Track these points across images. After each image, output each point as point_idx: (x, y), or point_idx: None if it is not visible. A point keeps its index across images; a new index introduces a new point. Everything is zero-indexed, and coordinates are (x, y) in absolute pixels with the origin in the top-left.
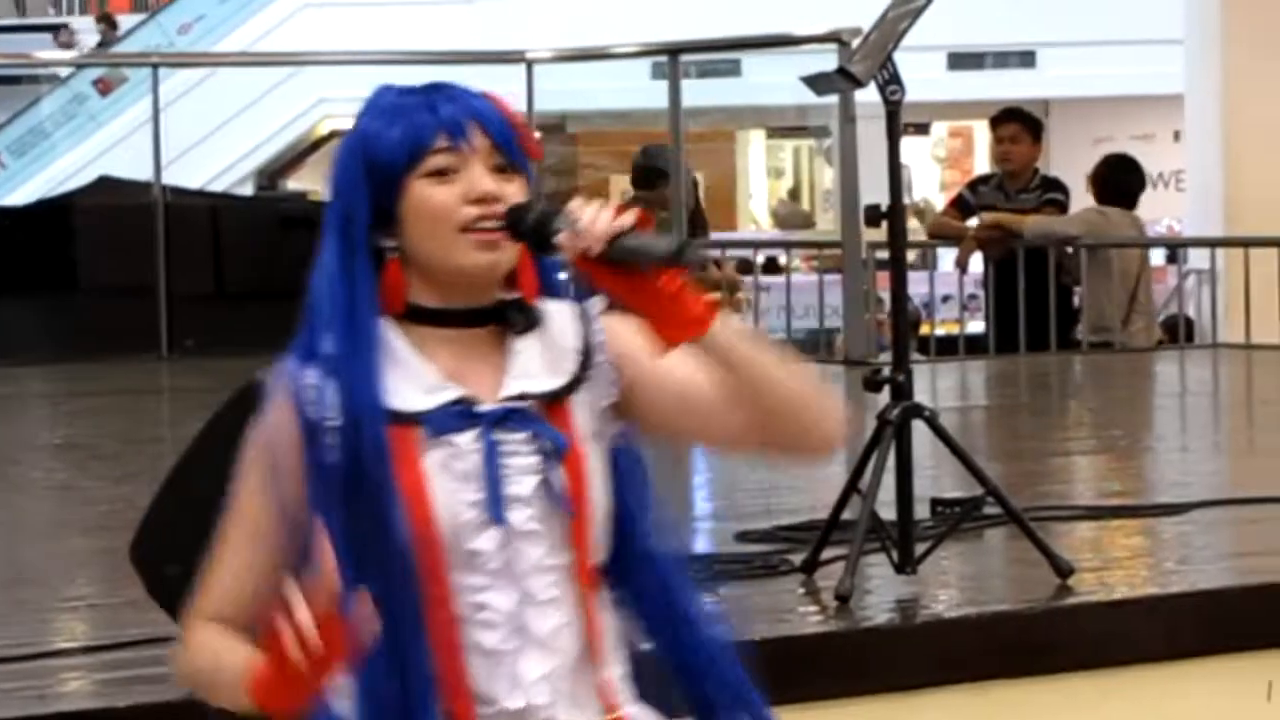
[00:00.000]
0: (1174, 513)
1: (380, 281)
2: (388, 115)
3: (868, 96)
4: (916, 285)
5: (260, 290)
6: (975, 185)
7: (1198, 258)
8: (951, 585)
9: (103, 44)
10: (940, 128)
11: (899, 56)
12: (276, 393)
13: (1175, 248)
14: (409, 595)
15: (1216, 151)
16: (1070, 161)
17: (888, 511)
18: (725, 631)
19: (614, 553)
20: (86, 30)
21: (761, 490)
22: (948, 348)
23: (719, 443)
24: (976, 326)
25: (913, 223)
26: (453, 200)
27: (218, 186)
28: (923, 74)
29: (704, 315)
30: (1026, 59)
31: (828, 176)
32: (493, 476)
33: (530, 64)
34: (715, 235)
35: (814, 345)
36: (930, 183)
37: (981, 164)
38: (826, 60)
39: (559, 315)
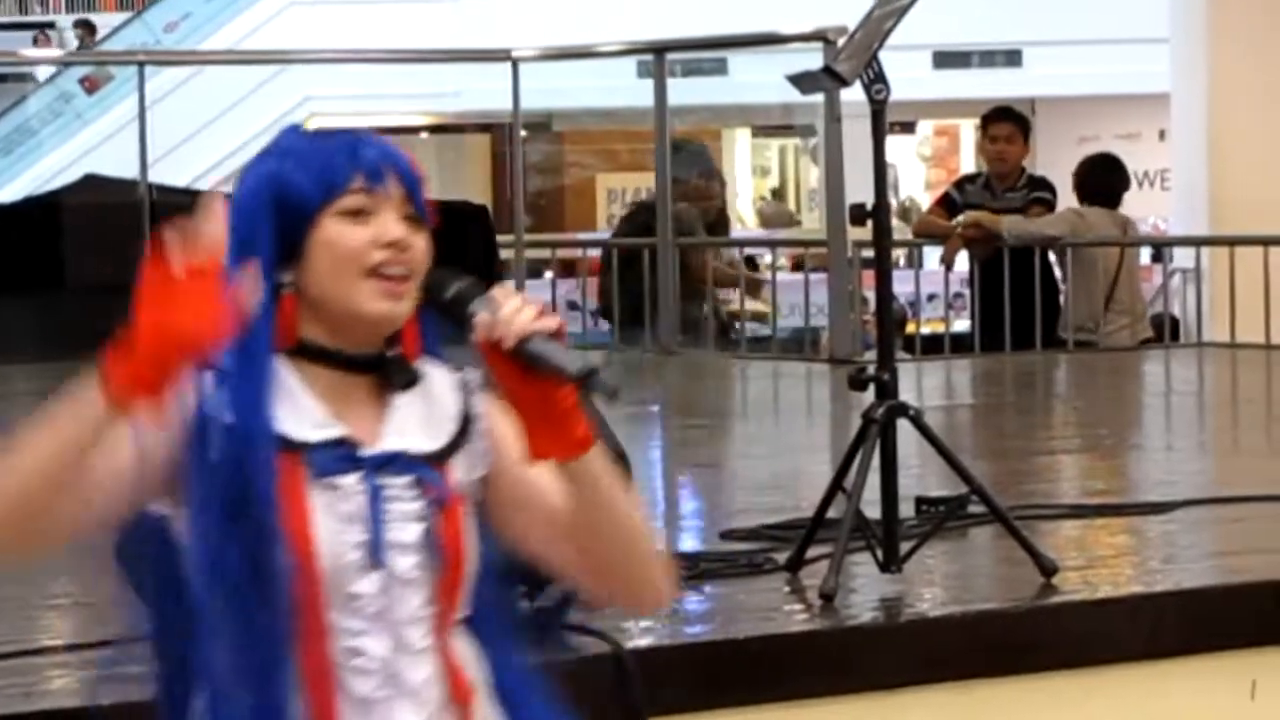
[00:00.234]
0: (1158, 511)
1: (276, 314)
2: (303, 154)
3: (853, 95)
4: (902, 284)
5: None
6: (962, 184)
7: (1183, 257)
8: (936, 584)
9: (81, 49)
10: (926, 126)
11: (884, 55)
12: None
13: (1160, 247)
14: (276, 624)
15: (1202, 150)
16: (1056, 160)
17: (873, 510)
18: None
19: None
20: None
21: (747, 488)
22: (933, 346)
23: (554, 564)
24: (962, 325)
25: (898, 222)
26: (364, 241)
27: (204, 184)
28: (908, 73)
29: (585, 440)
30: (1012, 58)
31: (813, 175)
32: (376, 520)
33: (516, 62)
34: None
35: (799, 344)
36: (916, 181)
37: (967, 163)
38: (812, 59)
39: (439, 379)
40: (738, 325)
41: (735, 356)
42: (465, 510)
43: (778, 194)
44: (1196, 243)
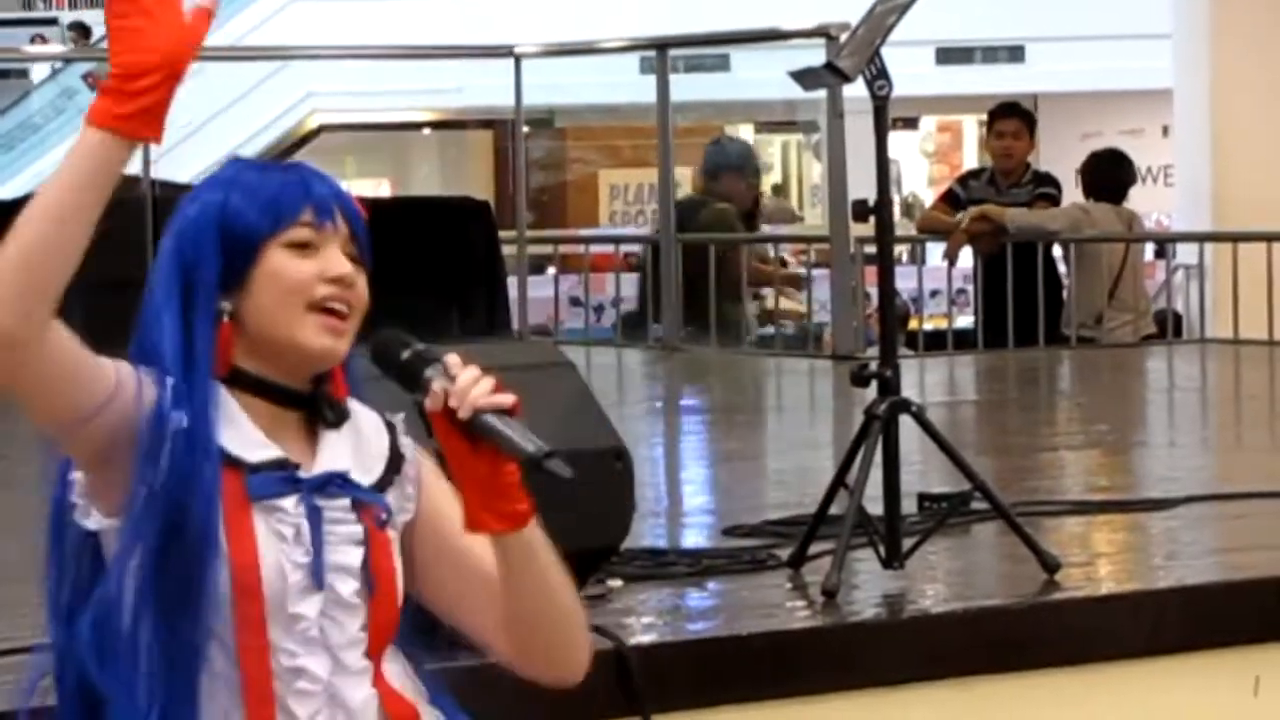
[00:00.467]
0: (1161, 508)
1: (216, 340)
2: (251, 186)
3: (856, 91)
4: (905, 280)
5: None
6: (966, 180)
7: (1186, 253)
8: (938, 580)
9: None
10: (929, 122)
11: (887, 51)
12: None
13: (1163, 243)
14: (200, 641)
15: (1205, 146)
16: (1058, 156)
17: (875, 506)
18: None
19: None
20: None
21: (749, 485)
22: (936, 343)
23: (470, 629)
24: (965, 321)
25: (901, 218)
26: (309, 275)
27: None
28: (911, 69)
29: (526, 514)
30: (1015, 54)
31: (816, 171)
32: (316, 541)
33: (518, 58)
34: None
35: (801, 340)
36: (919, 177)
37: (970, 159)
38: (815, 55)
39: (366, 418)
40: (774, 325)
41: (738, 353)
42: (395, 542)
43: (780, 190)
44: (1200, 239)
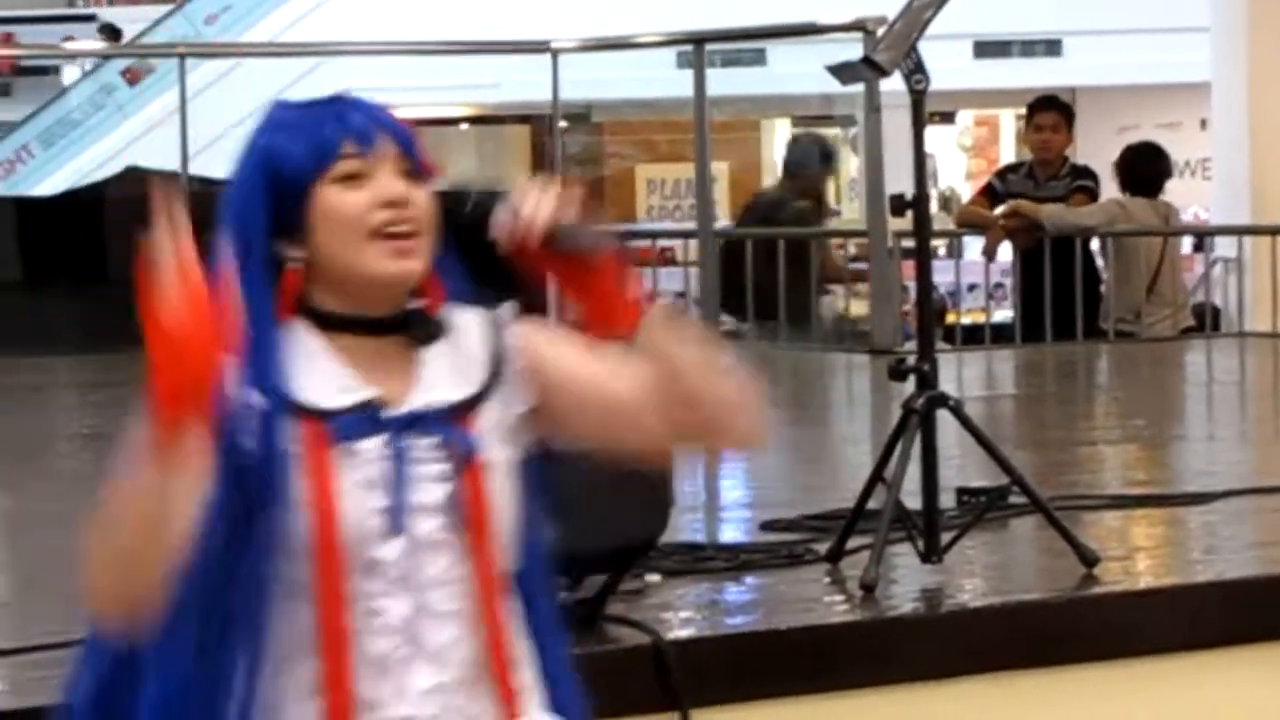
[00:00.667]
0: (1200, 502)
1: (278, 289)
2: (291, 127)
3: (893, 85)
4: (942, 274)
5: None
6: (1004, 174)
7: (1224, 246)
8: (977, 575)
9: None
10: (966, 116)
11: (924, 45)
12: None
13: (1202, 236)
14: (278, 583)
15: (1243, 139)
16: (1096, 150)
17: (913, 501)
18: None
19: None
20: (116, 20)
21: (787, 479)
22: (974, 337)
23: (639, 440)
24: (1003, 315)
25: (938, 212)
26: (363, 204)
27: None
28: (948, 62)
29: (639, 307)
30: (1053, 47)
31: (853, 165)
32: (399, 484)
33: (555, 53)
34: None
35: (839, 335)
36: (956, 171)
37: (1007, 153)
38: (851, 49)
39: (468, 324)
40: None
41: (775, 347)
42: (496, 464)
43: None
44: (1238, 232)
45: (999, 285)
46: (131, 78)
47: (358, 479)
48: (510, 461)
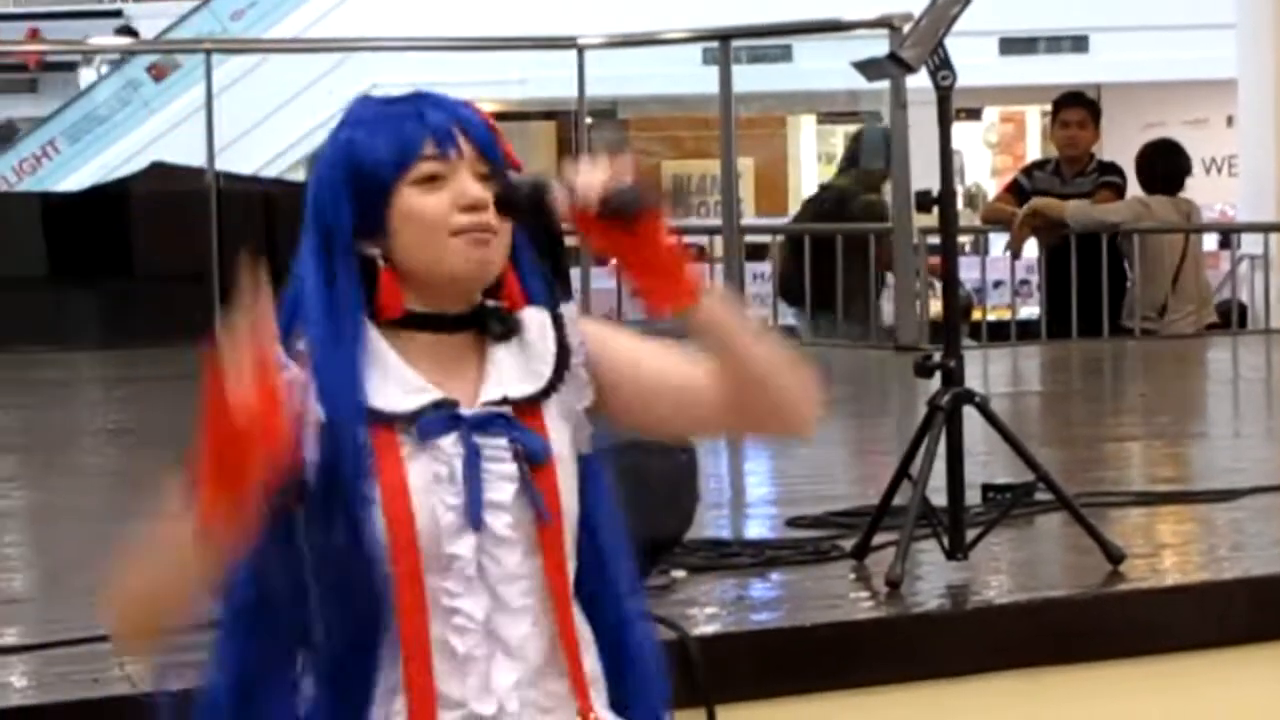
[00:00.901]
0: (1226, 499)
1: (368, 288)
2: (373, 124)
3: (919, 82)
4: (968, 270)
5: None
6: (1031, 170)
7: (1251, 243)
8: (1002, 571)
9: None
10: (992, 113)
11: (950, 41)
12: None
13: (1228, 233)
14: (372, 602)
15: (1269, 136)
16: (1122, 146)
17: (939, 497)
18: (654, 640)
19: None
20: (142, 16)
21: (813, 476)
22: (999, 333)
23: (699, 428)
24: (1029, 312)
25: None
26: (444, 207)
27: (270, 172)
28: (974, 59)
29: (698, 284)
30: (1079, 43)
31: None
32: (473, 481)
33: (581, 49)
34: (765, 220)
35: (865, 330)
36: (982, 168)
37: (1033, 149)
38: (878, 45)
39: (536, 320)
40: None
41: (800, 343)
42: (563, 461)
43: None
44: (1264, 229)
45: (1024, 282)
46: (157, 74)
47: (430, 476)
48: (573, 456)
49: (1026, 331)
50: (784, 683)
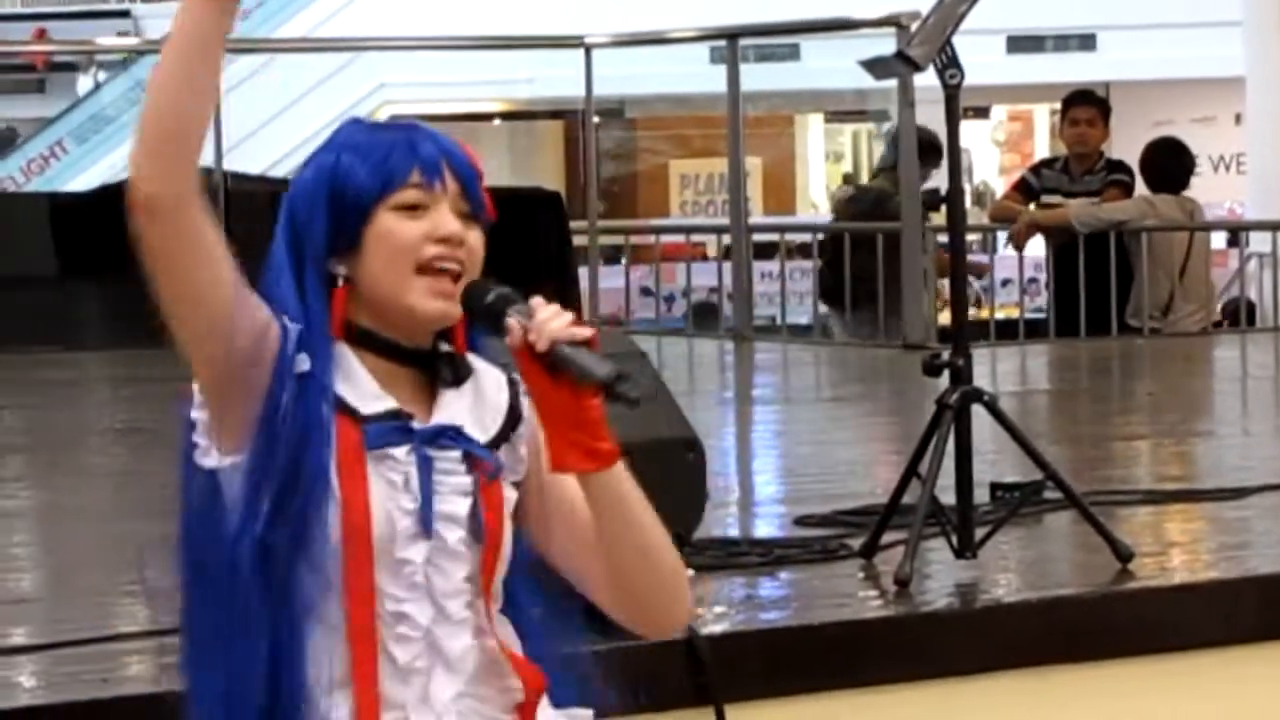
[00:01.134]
0: (1235, 497)
1: (330, 303)
2: (362, 148)
3: (927, 80)
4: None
5: None
6: (1039, 168)
7: (1259, 241)
8: (1011, 570)
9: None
10: (1000, 111)
11: (958, 40)
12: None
13: (1236, 231)
14: (315, 581)
15: (1277, 134)
16: (1130, 145)
17: (947, 496)
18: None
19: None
20: (149, 16)
21: (821, 475)
22: (1008, 332)
23: (578, 580)
24: (1037, 311)
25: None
26: (418, 236)
27: (279, 172)
28: (982, 57)
29: (611, 452)
30: (1086, 42)
31: None
32: (426, 489)
33: (589, 48)
34: (772, 219)
35: (872, 330)
36: (990, 166)
37: (1041, 147)
38: (885, 44)
39: (489, 375)
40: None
41: (809, 342)
42: (506, 494)
43: (851, 179)
44: (1273, 227)
45: (1032, 280)
46: None
47: (387, 480)
48: (510, 500)
49: (1034, 330)
50: (793, 682)
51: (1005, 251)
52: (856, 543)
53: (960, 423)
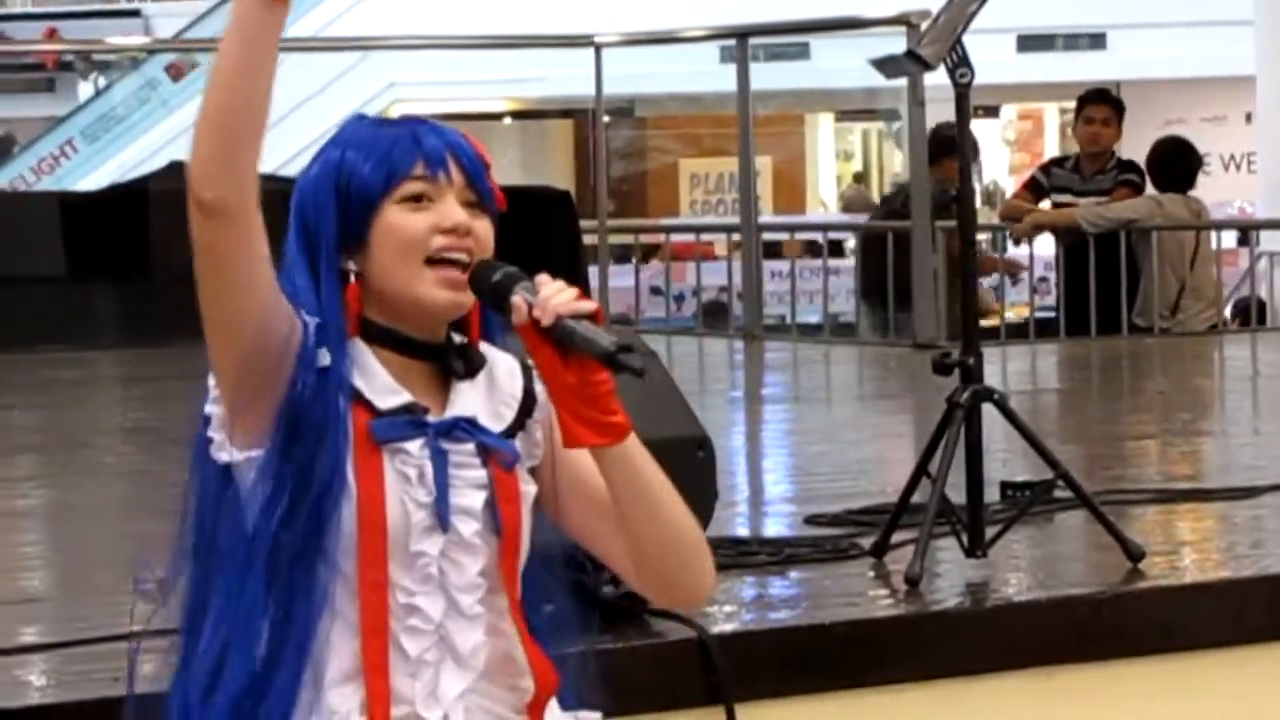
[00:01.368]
0: (1245, 497)
1: (344, 299)
2: (366, 143)
3: (937, 79)
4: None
5: None
6: (1050, 167)
7: (1270, 240)
8: (1022, 569)
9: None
10: (1010, 110)
11: (968, 39)
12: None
13: (1247, 230)
14: (328, 573)
15: None
16: (1140, 144)
17: (957, 495)
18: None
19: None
20: (160, 15)
21: (831, 474)
22: (1018, 331)
23: (603, 556)
24: (1047, 310)
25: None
26: (425, 228)
27: (289, 171)
28: (992, 56)
29: (622, 426)
30: (1097, 40)
31: (897, 160)
32: (441, 482)
33: (599, 48)
34: (782, 219)
35: (883, 328)
36: (1000, 165)
37: (1051, 146)
38: (895, 43)
39: (501, 363)
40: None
41: (818, 341)
42: (524, 486)
43: (861, 179)
44: None
45: (1042, 279)
46: (175, 73)
47: (402, 473)
48: (529, 493)
49: (1044, 329)
50: (803, 681)
51: (1013, 250)
52: (867, 542)
53: (971, 422)
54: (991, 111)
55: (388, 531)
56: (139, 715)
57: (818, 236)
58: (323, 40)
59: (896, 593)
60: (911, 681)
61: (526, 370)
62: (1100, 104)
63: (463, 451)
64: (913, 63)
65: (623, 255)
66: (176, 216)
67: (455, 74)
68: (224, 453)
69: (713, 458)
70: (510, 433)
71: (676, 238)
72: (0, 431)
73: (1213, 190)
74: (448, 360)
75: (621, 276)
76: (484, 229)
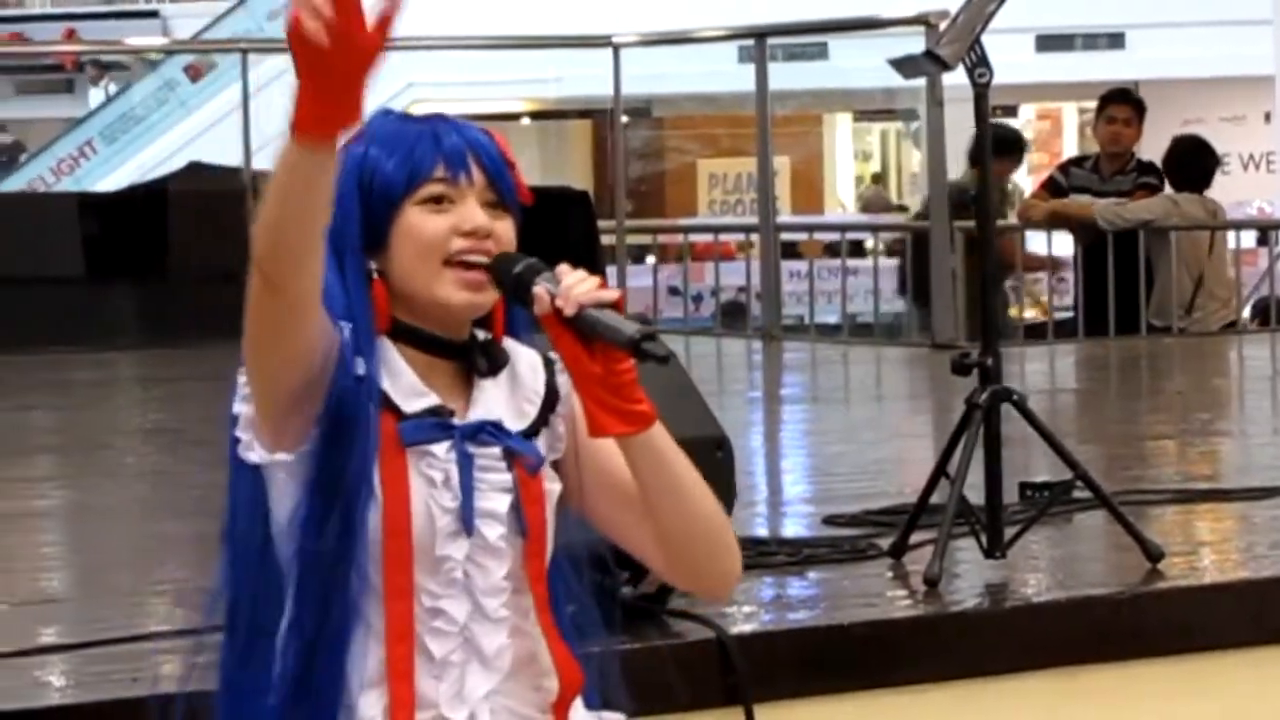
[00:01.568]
0: (1265, 496)
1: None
2: (389, 141)
3: (955, 79)
4: None
5: None
6: (1068, 167)
7: None
8: (1040, 570)
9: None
10: (1028, 110)
11: (987, 39)
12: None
13: (1266, 229)
14: (357, 579)
15: None
16: (1159, 143)
17: (976, 495)
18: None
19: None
20: (179, 16)
21: (850, 474)
22: (1036, 331)
23: (630, 550)
24: (1065, 310)
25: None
26: (444, 230)
27: None
28: (1011, 56)
29: (646, 414)
30: (1115, 40)
31: (915, 160)
32: (466, 486)
33: (617, 48)
34: (800, 219)
35: (900, 329)
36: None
37: (1070, 146)
38: (914, 43)
39: (524, 358)
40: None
41: (837, 341)
42: (548, 486)
43: (880, 179)
44: None
45: (1061, 279)
46: (194, 73)
47: (427, 477)
48: (553, 492)
49: (1063, 329)
50: (822, 682)
51: (1032, 249)
52: (885, 542)
53: (989, 422)
54: (1010, 111)
55: (413, 536)
56: (186, 717)
57: (836, 236)
58: None
59: (915, 593)
60: (930, 682)
61: (549, 364)
62: (1122, 104)
63: (488, 455)
64: (931, 63)
65: (640, 255)
66: (195, 217)
67: (473, 74)
68: (252, 453)
69: (731, 458)
70: (534, 429)
71: (695, 238)
72: (19, 432)
73: (1231, 190)
74: (472, 358)
75: (639, 276)
76: (505, 229)
